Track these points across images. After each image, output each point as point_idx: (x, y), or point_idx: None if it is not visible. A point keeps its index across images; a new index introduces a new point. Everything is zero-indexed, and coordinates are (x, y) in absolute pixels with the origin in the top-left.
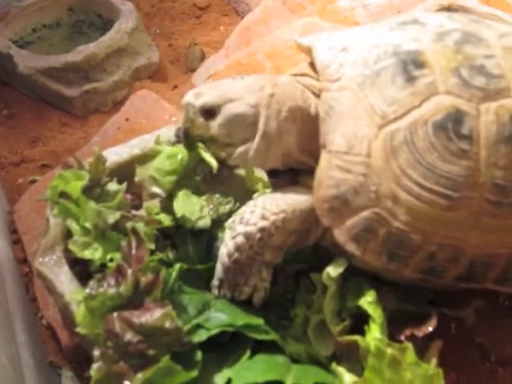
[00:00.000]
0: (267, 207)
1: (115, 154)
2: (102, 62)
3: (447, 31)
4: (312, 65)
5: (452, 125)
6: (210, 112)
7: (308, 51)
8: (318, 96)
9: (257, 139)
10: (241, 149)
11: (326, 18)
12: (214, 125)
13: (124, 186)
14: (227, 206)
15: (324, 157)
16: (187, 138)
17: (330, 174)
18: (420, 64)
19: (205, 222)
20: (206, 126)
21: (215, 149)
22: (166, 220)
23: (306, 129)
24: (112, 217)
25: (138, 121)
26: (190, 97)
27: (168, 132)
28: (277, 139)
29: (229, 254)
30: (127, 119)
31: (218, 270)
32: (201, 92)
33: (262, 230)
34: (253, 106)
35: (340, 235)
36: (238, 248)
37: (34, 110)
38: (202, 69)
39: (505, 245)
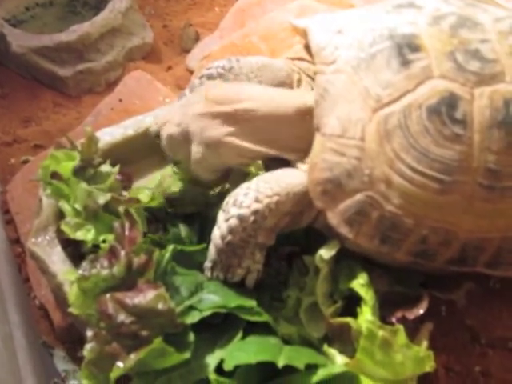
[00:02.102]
0: (261, 190)
1: (108, 135)
2: (95, 42)
3: (443, 15)
4: (307, 47)
5: (446, 109)
6: (159, 137)
7: (303, 33)
8: (313, 79)
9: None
10: (188, 163)
11: (322, 1)
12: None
13: (117, 168)
14: (218, 189)
15: (318, 140)
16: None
17: (323, 156)
18: (415, 48)
19: (194, 206)
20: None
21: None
22: (144, 198)
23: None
24: (102, 198)
25: (131, 102)
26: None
27: (161, 113)
28: (212, 151)
29: (222, 236)
30: (121, 100)
31: (211, 251)
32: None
33: (255, 212)
34: (177, 125)
35: (333, 218)
36: (231, 230)
37: (26, 89)
38: (196, 50)
39: (497, 229)
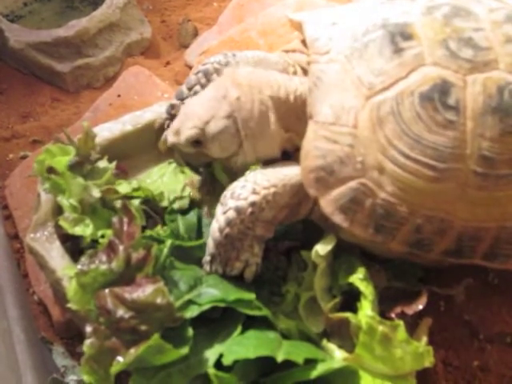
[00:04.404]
0: (258, 182)
1: (107, 130)
2: (93, 37)
3: (437, 5)
4: (304, 42)
5: (438, 95)
6: (197, 142)
7: (299, 27)
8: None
9: (244, 143)
10: (240, 156)
11: None
12: (207, 150)
13: (113, 164)
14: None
15: (311, 127)
16: (191, 165)
17: (316, 144)
18: (408, 36)
19: (182, 203)
20: (201, 153)
21: (222, 165)
22: (122, 189)
23: (283, 111)
24: (97, 191)
25: (129, 97)
26: (171, 138)
27: (160, 109)
28: (260, 133)
29: (220, 229)
30: (119, 95)
31: (210, 245)
32: (177, 128)
33: (252, 204)
34: (227, 117)
35: (327, 206)
36: (229, 222)
37: (25, 85)
38: (194, 45)
39: (493, 218)
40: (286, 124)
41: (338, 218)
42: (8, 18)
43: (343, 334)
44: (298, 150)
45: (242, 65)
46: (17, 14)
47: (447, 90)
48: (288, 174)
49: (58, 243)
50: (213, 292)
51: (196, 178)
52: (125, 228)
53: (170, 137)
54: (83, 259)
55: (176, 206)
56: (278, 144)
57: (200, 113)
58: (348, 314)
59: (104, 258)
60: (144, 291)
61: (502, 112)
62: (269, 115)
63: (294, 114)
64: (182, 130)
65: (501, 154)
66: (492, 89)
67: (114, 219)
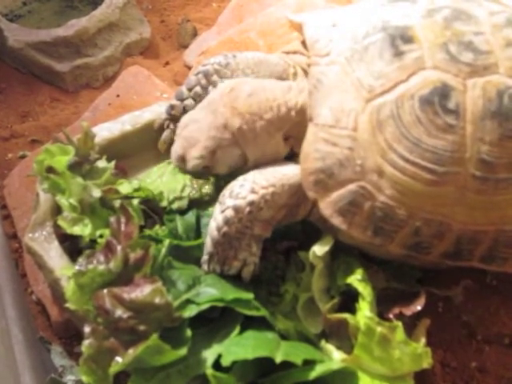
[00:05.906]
0: (257, 181)
1: (106, 130)
2: (93, 37)
3: (437, 8)
4: (304, 43)
5: (438, 99)
6: (203, 167)
7: (299, 28)
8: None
9: (249, 159)
10: (245, 166)
11: None
12: (214, 171)
13: (112, 164)
14: (211, 186)
15: (311, 130)
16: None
17: (316, 146)
18: (408, 39)
19: (181, 203)
20: (207, 172)
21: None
22: (123, 189)
23: (286, 127)
24: (97, 191)
25: (129, 97)
26: (176, 163)
27: (159, 109)
28: (265, 150)
29: (218, 228)
30: (118, 95)
31: (208, 243)
32: (181, 155)
33: (250, 203)
34: (232, 145)
35: (325, 208)
36: (227, 221)
37: (24, 84)
38: (194, 45)
39: (491, 221)
40: (288, 134)
41: (337, 221)
42: (7, 18)
43: (341, 335)
44: (296, 153)
45: (242, 66)
46: (16, 13)
47: (447, 94)
48: (287, 173)
49: (56, 243)
50: (211, 291)
51: None
52: (122, 228)
53: (174, 161)
54: (81, 259)
55: (175, 206)
56: (282, 153)
57: (204, 142)
58: (346, 315)
59: (102, 258)
60: (142, 291)
61: (502, 116)
62: (272, 138)
63: (295, 125)
64: (187, 158)
65: (500, 158)
66: (492, 93)
67: (112, 219)
